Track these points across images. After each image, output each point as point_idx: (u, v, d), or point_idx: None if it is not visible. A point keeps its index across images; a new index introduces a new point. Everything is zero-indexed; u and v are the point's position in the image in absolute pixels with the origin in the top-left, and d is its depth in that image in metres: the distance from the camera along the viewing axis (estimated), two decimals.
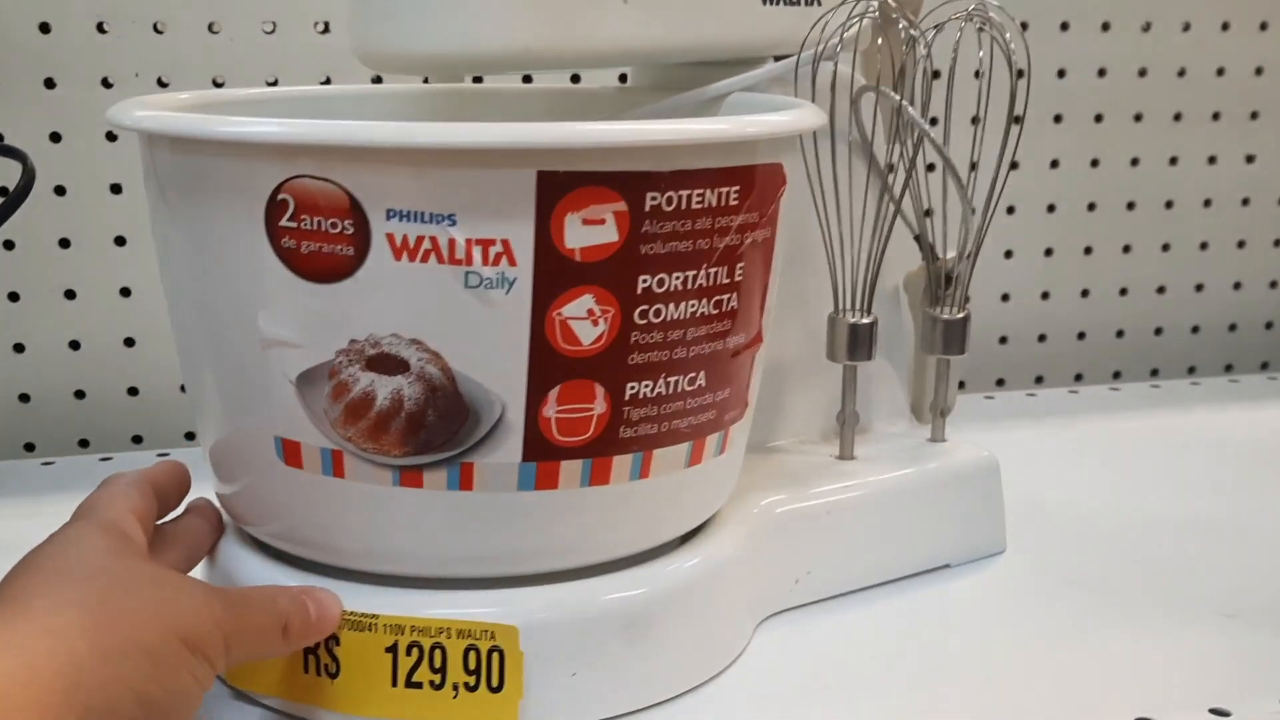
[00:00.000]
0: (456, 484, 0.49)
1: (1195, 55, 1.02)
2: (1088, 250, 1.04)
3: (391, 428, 0.48)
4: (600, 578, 0.53)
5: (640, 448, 0.51)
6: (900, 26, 0.62)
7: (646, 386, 0.50)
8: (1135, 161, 1.03)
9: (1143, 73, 1.01)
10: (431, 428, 0.48)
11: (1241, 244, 1.06)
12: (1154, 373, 1.07)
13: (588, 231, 0.46)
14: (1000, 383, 1.05)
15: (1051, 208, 1.02)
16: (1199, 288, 1.07)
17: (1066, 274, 1.04)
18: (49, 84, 0.81)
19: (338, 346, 0.48)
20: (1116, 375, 1.07)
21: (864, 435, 0.69)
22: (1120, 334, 1.06)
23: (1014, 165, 0.63)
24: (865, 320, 0.64)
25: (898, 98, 0.62)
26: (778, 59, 0.64)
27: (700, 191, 0.48)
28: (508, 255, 0.46)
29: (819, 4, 0.64)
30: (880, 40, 0.62)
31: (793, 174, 0.55)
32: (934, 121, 0.63)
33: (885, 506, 0.65)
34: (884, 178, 0.64)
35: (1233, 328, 1.08)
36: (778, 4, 0.63)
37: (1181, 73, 1.02)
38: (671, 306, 0.49)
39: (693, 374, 0.51)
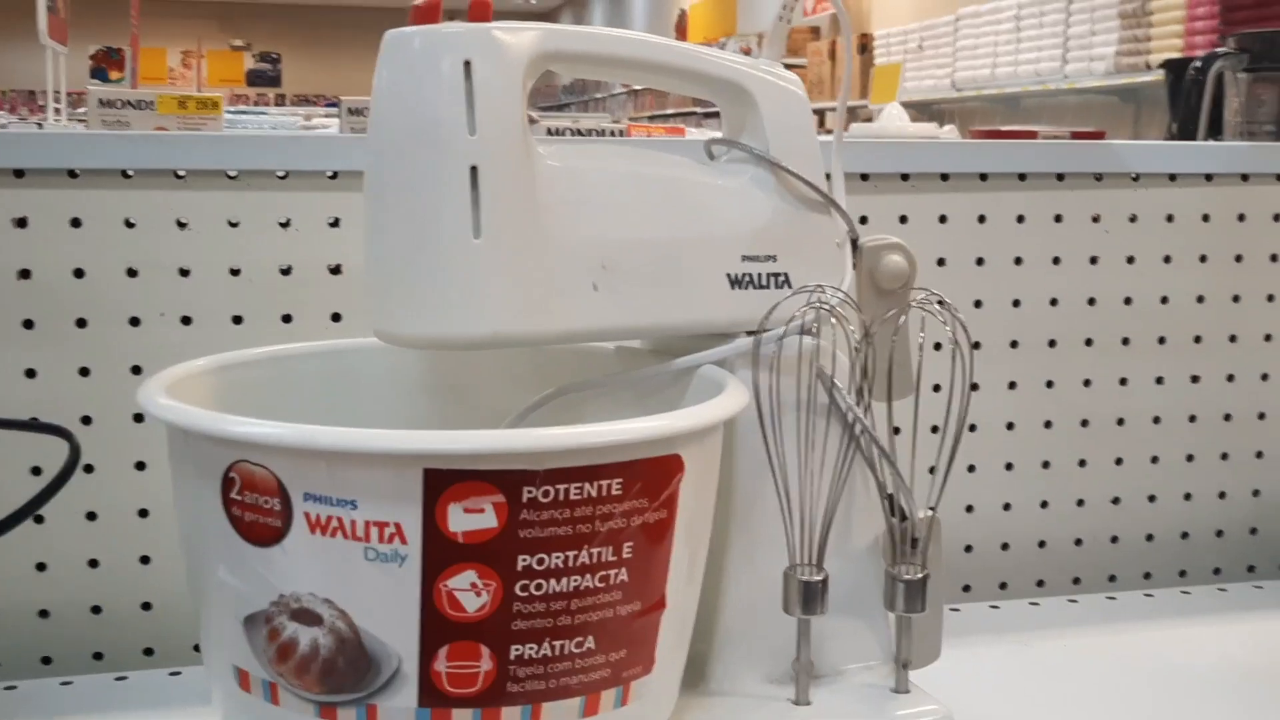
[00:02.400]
0: None
1: (1141, 286, 1.10)
2: (1045, 464, 1.11)
3: (311, 670, 0.57)
4: None
5: (528, 700, 0.58)
6: (852, 318, 0.67)
7: (531, 649, 0.58)
8: (1088, 383, 1.10)
9: (1092, 302, 1.09)
10: (342, 673, 0.57)
11: (1190, 458, 1.13)
12: (1111, 579, 1.13)
13: (469, 518, 0.55)
14: (967, 589, 1.11)
15: (1010, 425, 1.09)
16: (1151, 499, 1.13)
17: (1026, 487, 1.11)
18: (80, 323, 0.92)
19: (271, 599, 0.58)
20: (1076, 581, 1.13)
21: (838, 679, 0.71)
22: (1079, 542, 1.12)
23: (971, 428, 0.69)
24: (816, 578, 0.66)
25: (834, 381, 0.68)
26: (751, 334, 0.68)
27: (579, 485, 0.57)
28: (400, 535, 0.55)
29: (789, 285, 0.69)
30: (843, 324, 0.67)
31: (701, 459, 0.61)
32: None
33: None
34: (836, 446, 0.68)
35: (1185, 536, 1.14)
36: (746, 288, 0.68)
37: (1128, 301, 1.09)
38: (553, 581, 0.57)
39: (580, 638, 0.59)
